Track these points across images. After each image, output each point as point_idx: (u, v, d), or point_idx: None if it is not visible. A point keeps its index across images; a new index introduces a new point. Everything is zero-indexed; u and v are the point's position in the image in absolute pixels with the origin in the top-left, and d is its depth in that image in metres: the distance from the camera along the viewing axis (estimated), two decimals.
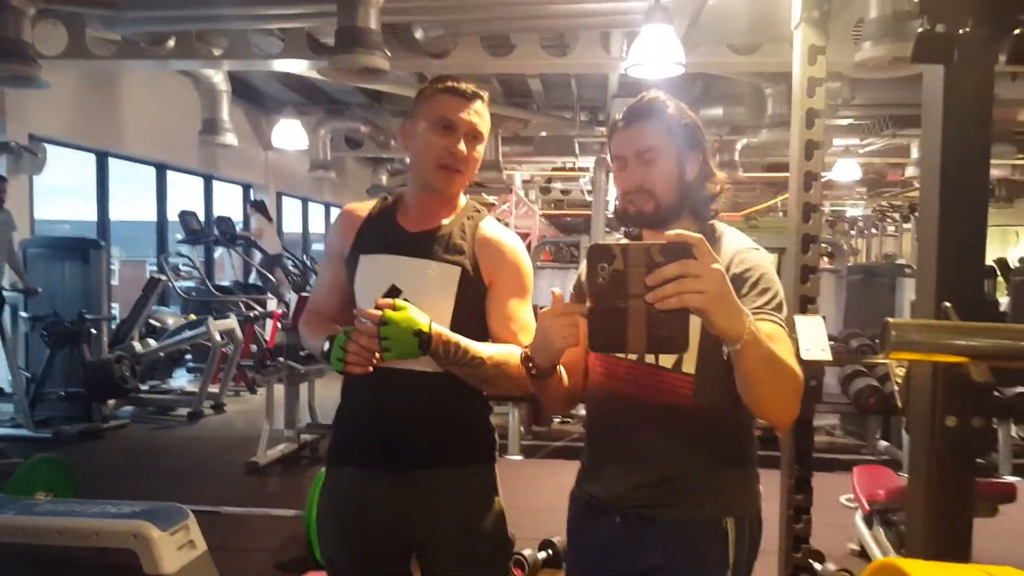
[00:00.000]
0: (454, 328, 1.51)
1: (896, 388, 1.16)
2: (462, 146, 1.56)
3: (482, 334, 1.58)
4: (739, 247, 1.38)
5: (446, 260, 1.58)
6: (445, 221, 1.62)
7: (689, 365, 1.35)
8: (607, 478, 1.44)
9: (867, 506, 3.34)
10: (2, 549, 2.68)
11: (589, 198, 15.29)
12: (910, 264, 7.44)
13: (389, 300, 1.44)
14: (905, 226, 13.46)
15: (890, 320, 0.92)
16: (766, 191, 15.37)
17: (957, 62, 1.04)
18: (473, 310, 1.59)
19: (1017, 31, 1.02)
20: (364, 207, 1.71)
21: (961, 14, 0.95)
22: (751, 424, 1.44)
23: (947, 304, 1.27)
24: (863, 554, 3.45)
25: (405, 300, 1.46)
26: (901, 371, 1.31)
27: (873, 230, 14.87)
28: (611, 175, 1.50)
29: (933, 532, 1.33)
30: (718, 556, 1.37)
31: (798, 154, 2.48)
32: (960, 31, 0.95)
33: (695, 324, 1.31)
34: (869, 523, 3.35)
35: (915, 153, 9.18)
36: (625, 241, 1.45)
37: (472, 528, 1.59)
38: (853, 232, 16.85)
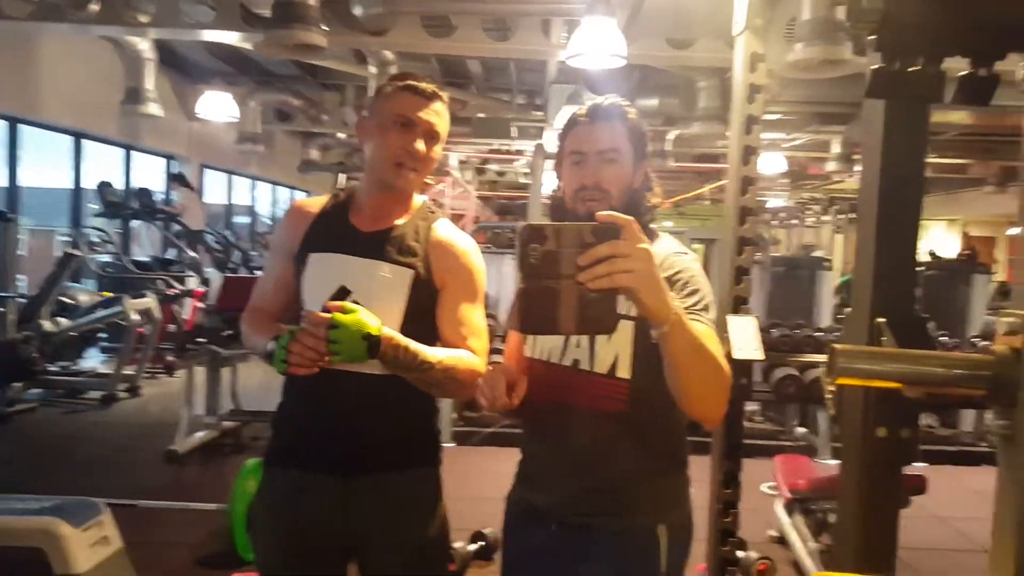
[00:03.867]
0: (404, 331, 1.48)
1: (828, 397, 1.21)
2: (420, 144, 1.54)
3: (432, 337, 1.55)
4: (670, 251, 1.41)
5: (399, 262, 1.55)
6: (399, 222, 1.60)
7: (624, 371, 1.37)
8: (544, 484, 1.46)
9: (788, 495, 3.46)
10: None
11: (524, 180, 15.30)
12: (828, 257, 7.79)
13: (339, 302, 1.40)
14: (824, 218, 13.99)
15: (837, 347, 0.95)
16: (694, 179, 15.74)
17: (905, 98, 1.09)
18: (424, 313, 1.56)
19: (963, 73, 1.08)
20: (315, 203, 1.67)
21: (913, 55, 1.00)
22: (684, 428, 1.47)
23: (881, 320, 1.34)
24: (782, 541, 3.57)
25: (355, 302, 1.43)
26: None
27: (793, 221, 15.44)
28: (557, 167, 1.49)
29: (863, 535, 1.40)
30: (651, 564, 1.40)
31: (736, 158, 2.53)
32: (910, 70, 0.99)
33: (629, 330, 1.35)
34: (790, 511, 3.47)
35: (835, 148, 9.56)
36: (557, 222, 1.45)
37: (414, 534, 1.57)
38: (775, 223, 17.39)
